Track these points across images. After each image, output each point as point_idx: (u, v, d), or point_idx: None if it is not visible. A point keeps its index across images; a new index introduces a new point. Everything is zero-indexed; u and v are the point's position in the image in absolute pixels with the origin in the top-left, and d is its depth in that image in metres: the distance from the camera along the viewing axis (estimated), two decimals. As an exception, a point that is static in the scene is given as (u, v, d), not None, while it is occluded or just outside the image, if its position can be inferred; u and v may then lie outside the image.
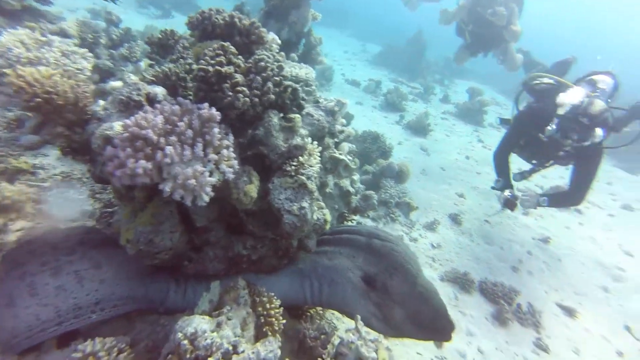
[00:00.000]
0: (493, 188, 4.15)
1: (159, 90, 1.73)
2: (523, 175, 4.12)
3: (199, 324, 1.44)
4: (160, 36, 2.64)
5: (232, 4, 4.31)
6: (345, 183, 2.89)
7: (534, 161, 4.07)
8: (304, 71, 3.38)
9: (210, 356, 1.28)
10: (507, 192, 3.73)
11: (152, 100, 1.71)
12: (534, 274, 4.33)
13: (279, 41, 2.26)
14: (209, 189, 1.49)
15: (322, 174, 2.54)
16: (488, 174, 6.25)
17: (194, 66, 1.87)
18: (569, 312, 3.80)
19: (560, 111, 3.39)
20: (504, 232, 5.00)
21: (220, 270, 2.20)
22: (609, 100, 3.45)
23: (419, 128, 8.11)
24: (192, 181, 1.43)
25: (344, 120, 2.97)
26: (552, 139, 3.53)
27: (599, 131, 3.27)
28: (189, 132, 1.49)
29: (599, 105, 3.22)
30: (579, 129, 3.29)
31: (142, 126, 1.44)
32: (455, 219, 4.80)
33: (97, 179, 1.83)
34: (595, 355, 3.33)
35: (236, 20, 1.87)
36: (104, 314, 1.74)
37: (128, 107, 1.65)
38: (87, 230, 1.90)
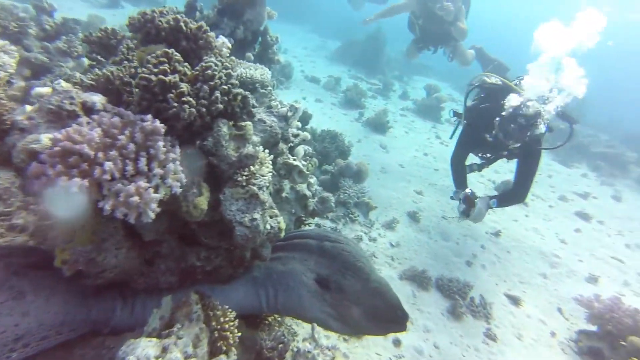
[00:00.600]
0: (452, 198, 4.21)
1: (97, 99, 1.61)
2: (472, 168, 4.23)
3: (145, 349, 1.37)
4: (99, 35, 2.46)
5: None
6: (302, 187, 2.88)
7: (480, 154, 4.23)
8: (259, 72, 3.31)
9: (155, 386, 1.22)
10: (467, 190, 3.81)
11: (88, 110, 1.59)
12: (487, 267, 4.58)
13: (230, 45, 2.19)
14: (154, 205, 1.41)
15: (277, 180, 2.51)
16: (445, 170, 6.45)
17: (139, 70, 1.76)
18: (515, 300, 4.07)
19: (503, 112, 3.57)
20: (460, 227, 5.25)
21: (173, 283, 2.12)
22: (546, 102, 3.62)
23: (378, 125, 8.26)
24: (135, 198, 1.35)
25: (299, 124, 2.95)
26: (496, 139, 3.70)
27: (542, 127, 3.51)
28: (131, 146, 1.40)
29: (534, 107, 3.45)
30: (518, 129, 3.49)
31: (76, 140, 1.33)
32: (413, 216, 4.95)
33: (26, 192, 1.67)
34: (534, 338, 3.62)
35: (182, 24, 1.77)
36: (29, 350, 1.55)
37: (60, 117, 1.52)
38: (8, 253, 1.70)
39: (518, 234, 5.68)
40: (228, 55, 2.14)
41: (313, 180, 3.08)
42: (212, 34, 1.91)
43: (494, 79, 4.14)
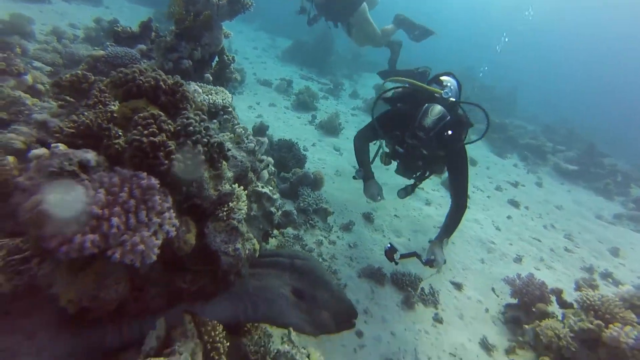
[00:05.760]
0: (354, 178, 4.27)
1: (90, 156, 1.82)
2: (407, 192, 4.11)
3: (157, 368, 1.66)
4: (71, 80, 2.60)
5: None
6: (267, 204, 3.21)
7: (408, 172, 4.12)
8: (221, 96, 3.59)
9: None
10: (387, 244, 3.44)
11: (84, 167, 1.81)
12: (434, 259, 5.20)
13: (200, 90, 2.45)
14: (156, 250, 1.69)
15: (248, 204, 2.83)
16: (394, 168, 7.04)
17: (130, 135, 1.98)
18: (458, 286, 4.71)
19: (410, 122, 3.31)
20: (411, 224, 5.83)
21: (162, 305, 2.37)
22: (452, 99, 3.40)
23: (331, 128, 8.69)
24: (141, 246, 1.62)
25: (263, 150, 3.27)
26: (407, 150, 3.56)
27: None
28: (132, 202, 1.67)
29: (433, 114, 3.14)
30: (420, 143, 3.27)
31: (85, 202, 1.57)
32: (368, 217, 5.44)
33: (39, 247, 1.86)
34: (472, 316, 4.26)
35: (161, 83, 2.02)
36: None
37: (61, 177, 1.73)
38: (12, 298, 1.88)
39: (461, 225, 6.36)
40: (200, 100, 2.41)
41: (276, 196, 3.42)
42: (186, 87, 2.17)
43: (400, 88, 3.98)
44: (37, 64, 5.50)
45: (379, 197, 4.09)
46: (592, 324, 3.29)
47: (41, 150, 1.80)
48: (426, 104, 3.26)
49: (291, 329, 2.38)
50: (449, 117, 3.20)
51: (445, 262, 3.38)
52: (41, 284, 1.91)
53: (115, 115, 2.17)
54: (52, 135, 2.12)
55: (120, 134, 2.01)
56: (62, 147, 1.78)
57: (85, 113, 2.21)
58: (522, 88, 20.23)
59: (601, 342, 3.21)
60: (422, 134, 3.20)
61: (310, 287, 2.60)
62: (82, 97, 2.60)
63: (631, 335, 3.08)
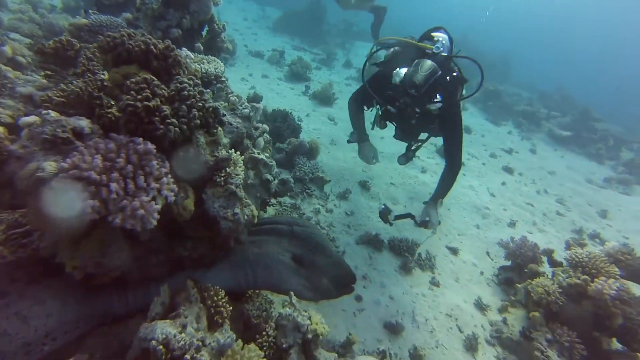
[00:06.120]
0: (349, 141, 4.24)
1: (85, 124, 1.79)
2: (408, 157, 3.97)
3: (164, 328, 1.70)
4: (54, 46, 2.51)
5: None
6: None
7: (405, 134, 3.94)
8: (213, 65, 3.50)
9: (185, 354, 1.58)
10: (382, 205, 3.47)
11: (78, 135, 1.78)
12: (430, 226, 5.28)
13: (192, 56, 2.38)
14: (156, 215, 1.69)
15: (245, 172, 2.82)
16: (390, 137, 7.03)
17: (123, 101, 1.93)
18: (454, 251, 4.82)
19: (395, 80, 3.21)
20: (407, 191, 5.88)
21: (164, 273, 2.41)
22: (444, 54, 3.29)
23: (325, 98, 8.58)
24: (141, 211, 1.63)
25: (258, 117, 3.22)
26: (399, 110, 3.36)
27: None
28: (129, 167, 1.65)
29: (424, 69, 3.01)
30: (411, 102, 3.13)
31: (82, 168, 1.56)
32: (364, 185, 5.48)
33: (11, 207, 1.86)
34: (468, 279, 4.40)
35: (152, 47, 1.95)
36: (56, 343, 1.83)
37: (55, 144, 1.70)
38: (17, 265, 1.90)
39: (457, 192, 6.43)
40: (193, 66, 2.34)
41: (273, 163, 3.41)
42: (178, 52, 2.11)
43: (390, 50, 3.83)
44: (14, 35, 5.22)
45: (374, 160, 3.99)
46: (579, 279, 3.43)
47: (32, 118, 1.75)
48: (416, 60, 3.14)
49: (292, 294, 2.43)
50: (440, 72, 3.09)
51: (439, 223, 3.27)
52: (45, 255, 1.93)
53: (105, 83, 2.11)
54: (41, 105, 2.07)
55: (113, 103, 1.97)
56: (53, 114, 1.74)
57: (75, 82, 2.16)
58: (516, 56, 19.96)
59: (587, 295, 3.35)
60: (413, 91, 3.09)
61: (310, 253, 2.64)
62: (68, 66, 2.52)
63: (613, 287, 3.23)
